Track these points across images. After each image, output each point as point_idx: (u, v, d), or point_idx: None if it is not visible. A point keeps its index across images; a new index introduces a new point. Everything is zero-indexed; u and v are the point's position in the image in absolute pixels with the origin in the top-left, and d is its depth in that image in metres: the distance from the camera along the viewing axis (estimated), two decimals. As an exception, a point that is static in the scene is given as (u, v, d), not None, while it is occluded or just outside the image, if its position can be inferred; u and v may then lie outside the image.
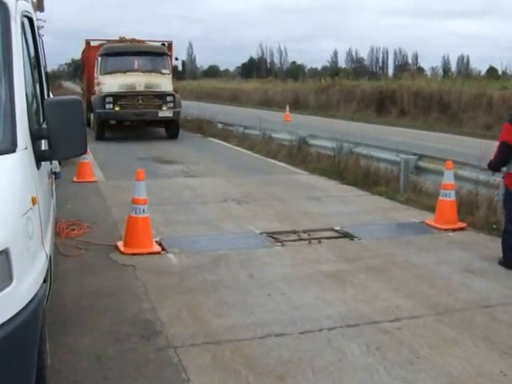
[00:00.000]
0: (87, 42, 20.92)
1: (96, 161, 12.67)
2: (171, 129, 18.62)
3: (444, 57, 79.40)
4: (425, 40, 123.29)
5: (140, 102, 17.50)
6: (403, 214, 8.32)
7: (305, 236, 7.07)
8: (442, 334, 4.41)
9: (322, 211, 8.48)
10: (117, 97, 17.43)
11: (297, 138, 13.92)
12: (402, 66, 71.95)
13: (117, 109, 17.43)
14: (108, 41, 20.31)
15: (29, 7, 4.01)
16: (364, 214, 8.37)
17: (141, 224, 6.31)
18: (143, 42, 20.49)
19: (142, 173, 6.47)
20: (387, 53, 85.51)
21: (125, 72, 18.01)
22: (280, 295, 5.15)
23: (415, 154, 9.72)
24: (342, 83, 34.30)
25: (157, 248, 6.35)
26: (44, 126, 3.91)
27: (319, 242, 6.85)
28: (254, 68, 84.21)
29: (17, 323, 2.47)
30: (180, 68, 25.40)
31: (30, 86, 3.54)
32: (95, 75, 18.90)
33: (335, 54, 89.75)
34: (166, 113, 17.72)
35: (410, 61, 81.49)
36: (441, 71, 60.44)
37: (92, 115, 18.55)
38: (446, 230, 7.37)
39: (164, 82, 18.26)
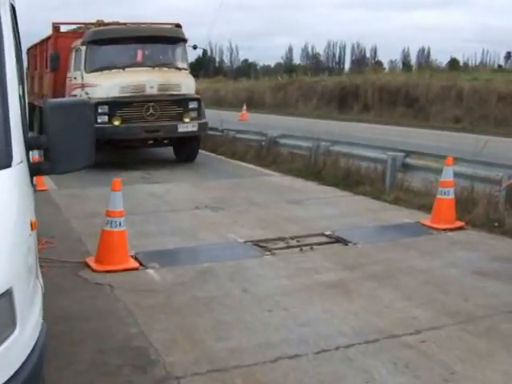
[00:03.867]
0: (55, 27, 15.09)
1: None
2: (188, 148, 13.60)
3: (404, 50, 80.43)
4: (383, 33, 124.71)
5: (151, 111, 12.44)
6: (394, 215, 8.16)
7: (294, 243, 6.80)
8: (471, 346, 4.21)
9: (306, 215, 8.24)
10: (116, 105, 12.28)
11: (267, 137, 13.64)
12: (360, 61, 72.70)
13: (116, 123, 12.23)
14: (81, 25, 15.21)
15: None
16: (351, 216, 8.18)
17: (116, 238, 5.89)
18: (141, 24, 14.86)
19: (119, 182, 6.02)
20: (345, 47, 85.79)
21: (123, 68, 12.99)
22: (282, 310, 4.86)
23: (402, 151, 9.57)
24: (300, 80, 34.35)
25: (134, 263, 5.96)
26: (32, 134, 3.48)
27: (311, 248, 6.59)
28: (202, 67, 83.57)
29: (20, 380, 2.09)
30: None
31: (20, 86, 3.10)
32: (71, 74, 13.84)
33: (290, 50, 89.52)
34: (188, 126, 12.72)
35: (368, 55, 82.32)
36: (400, 64, 61.49)
37: None
38: (444, 229, 7.23)
39: (185, 81, 13.34)
